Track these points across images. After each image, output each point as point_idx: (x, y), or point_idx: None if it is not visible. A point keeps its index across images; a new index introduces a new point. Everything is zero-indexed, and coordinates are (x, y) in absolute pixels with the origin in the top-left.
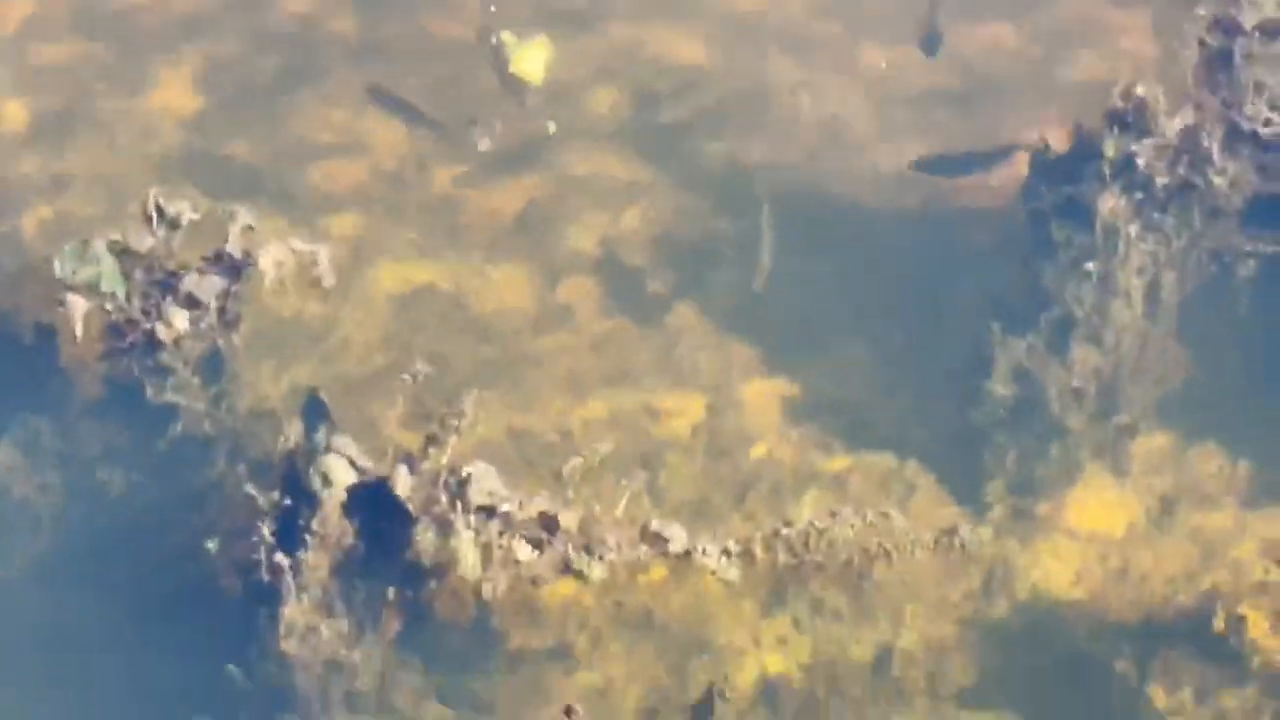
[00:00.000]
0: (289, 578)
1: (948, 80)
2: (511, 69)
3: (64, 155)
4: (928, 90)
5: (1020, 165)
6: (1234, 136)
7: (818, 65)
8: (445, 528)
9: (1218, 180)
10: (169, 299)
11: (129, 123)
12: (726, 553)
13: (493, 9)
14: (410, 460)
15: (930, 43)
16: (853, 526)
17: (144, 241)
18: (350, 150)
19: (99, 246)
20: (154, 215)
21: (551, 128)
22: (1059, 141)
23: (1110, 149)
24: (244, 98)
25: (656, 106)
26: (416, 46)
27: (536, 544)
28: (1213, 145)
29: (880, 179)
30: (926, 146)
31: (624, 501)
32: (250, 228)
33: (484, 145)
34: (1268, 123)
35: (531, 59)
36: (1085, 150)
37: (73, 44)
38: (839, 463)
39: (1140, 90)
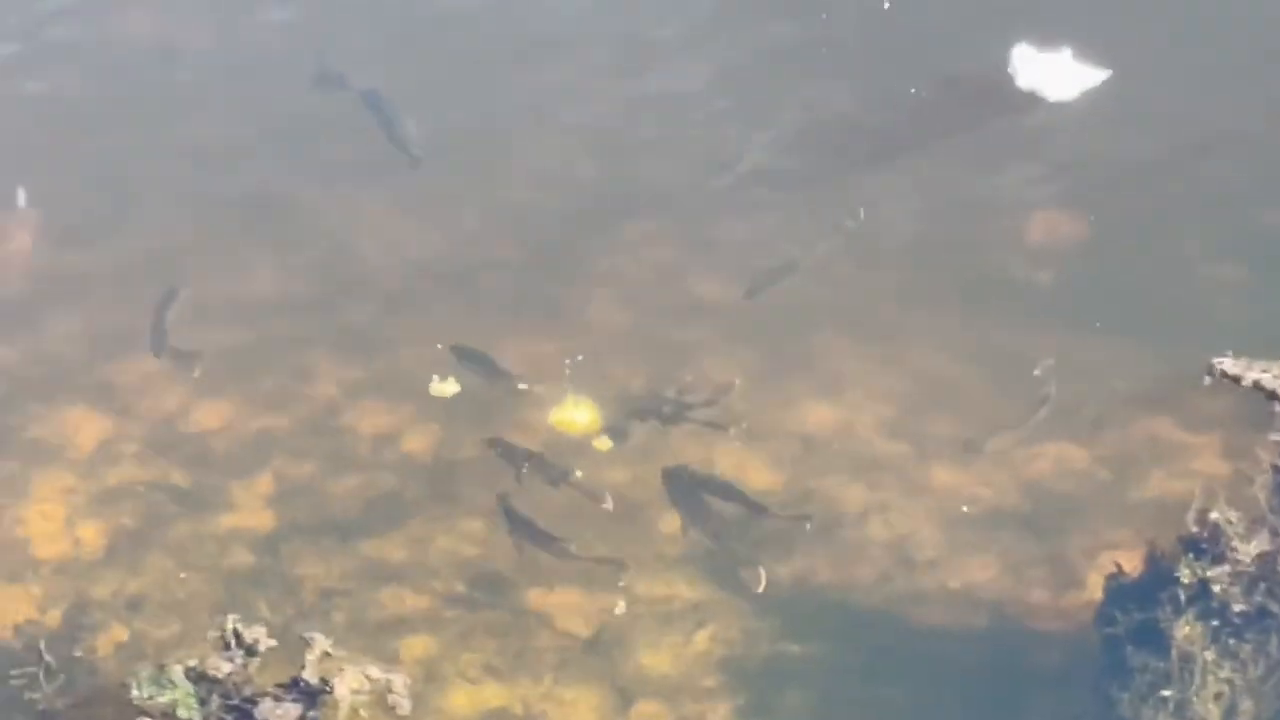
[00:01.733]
0: None
1: (1016, 501)
2: (555, 418)
3: (138, 577)
4: (995, 510)
5: (1093, 588)
6: None
7: (886, 486)
8: None
9: None
10: None
11: (202, 544)
12: None
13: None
14: None
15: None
16: None
17: (221, 667)
18: (421, 571)
19: (176, 672)
20: (231, 641)
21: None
22: (1131, 565)
23: (1185, 574)
24: (316, 518)
25: (725, 529)
26: (490, 465)
27: None
28: None
29: (950, 600)
30: (996, 568)
31: None
32: (328, 654)
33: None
34: None
35: (579, 413)
36: (1159, 574)
37: (147, 466)
38: None
39: (1214, 515)
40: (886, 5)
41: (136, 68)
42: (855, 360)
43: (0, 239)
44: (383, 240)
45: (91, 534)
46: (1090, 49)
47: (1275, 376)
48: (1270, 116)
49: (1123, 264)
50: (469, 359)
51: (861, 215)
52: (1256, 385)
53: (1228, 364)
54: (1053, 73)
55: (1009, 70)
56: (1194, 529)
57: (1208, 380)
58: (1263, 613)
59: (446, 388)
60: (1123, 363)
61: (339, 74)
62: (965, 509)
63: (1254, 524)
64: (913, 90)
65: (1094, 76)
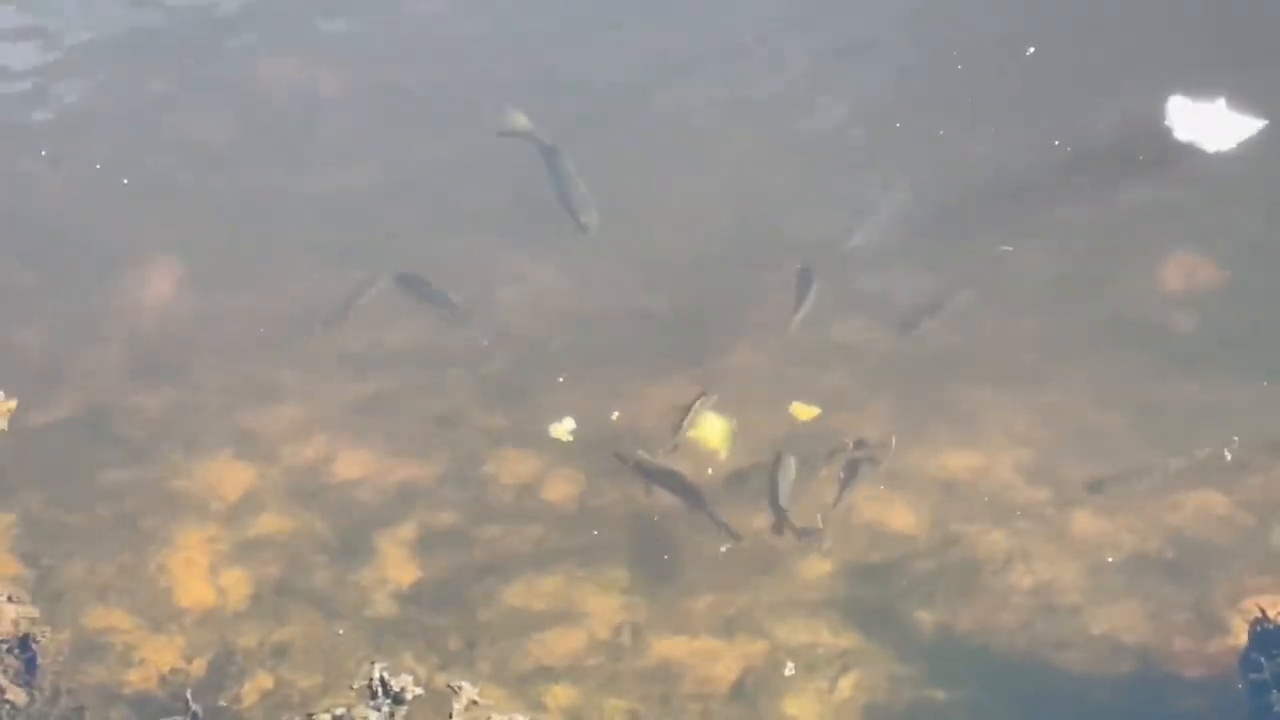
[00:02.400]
0: None
1: (1159, 546)
2: (692, 432)
3: (284, 625)
4: (1137, 555)
5: (1238, 634)
6: None
7: (1027, 532)
8: None
9: None
10: None
11: (346, 592)
12: None
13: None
14: None
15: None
16: None
17: (368, 716)
18: (564, 619)
19: None
20: (378, 690)
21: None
22: (1276, 611)
23: None
24: (459, 567)
25: (868, 575)
26: (626, 512)
27: None
28: None
29: (1093, 646)
30: (1140, 614)
31: None
32: (474, 702)
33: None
34: None
35: (717, 431)
36: None
37: (292, 515)
38: None
39: None
40: (1031, 51)
41: (280, 112)
42: (995, 405)
43: (141, 285)
44: (523, 288)
45: (236, 580)
46: (1245, 98)
47: None
48: None
49: (1263, 307)
50: (409, 285)
51: (1012, 248)
52: None
53: None
54: (1209, 123)
55: (1165, 122)
56: None
57: None
58: None
59: (563, 428)
60: (1264, 408)
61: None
62: (1109, 558)
63: None
64: (1057, 143)
65: (1250, 125)
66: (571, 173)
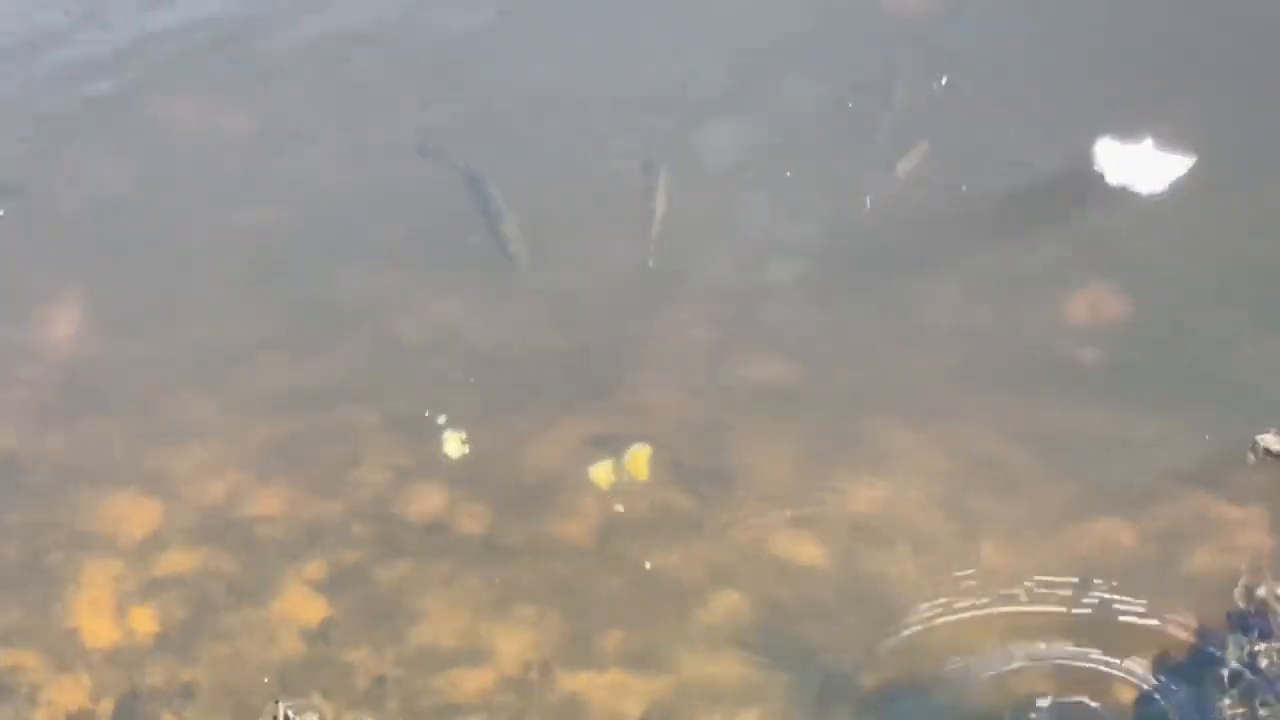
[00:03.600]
0: None
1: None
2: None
3: (191, 664)
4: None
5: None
6: None
7: (936, 565)
8: None
9: None
10: None
11: (253, 631)
12: None
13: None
14: None
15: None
16: None
17: None
18: (473, 656)
19: None
20: None
21: None
22: (1176, 645)
23: (1232, 653)
24: (368, 604)
25: (775, 609)
26: (541, 547)
27: None
28: None
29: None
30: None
31: None
32: None
33: None
34: None
35: (638, 459)
36: (1205, 652)
37: (199, 552)
38: None
39: (1262, 591)
40: (944, 80)
41: (182, 152)
42: (902, 440)
43: (43, 326)
44: (431, 325)
45: (143, 619)
46: (1173, 136)
47: None
48: None
49: (1168, 341)
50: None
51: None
52: None
53: (1270, 440)
54: (1138, 166)
55: (1095, 168)
56: (1241, 605)
57: (1251, 459)
58: None
59: (452, 443)
60: (1168, 439)
61: (439, 147)
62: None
63: None
64: (963, 188)
65: (1180, 165)
66: (499, 201)
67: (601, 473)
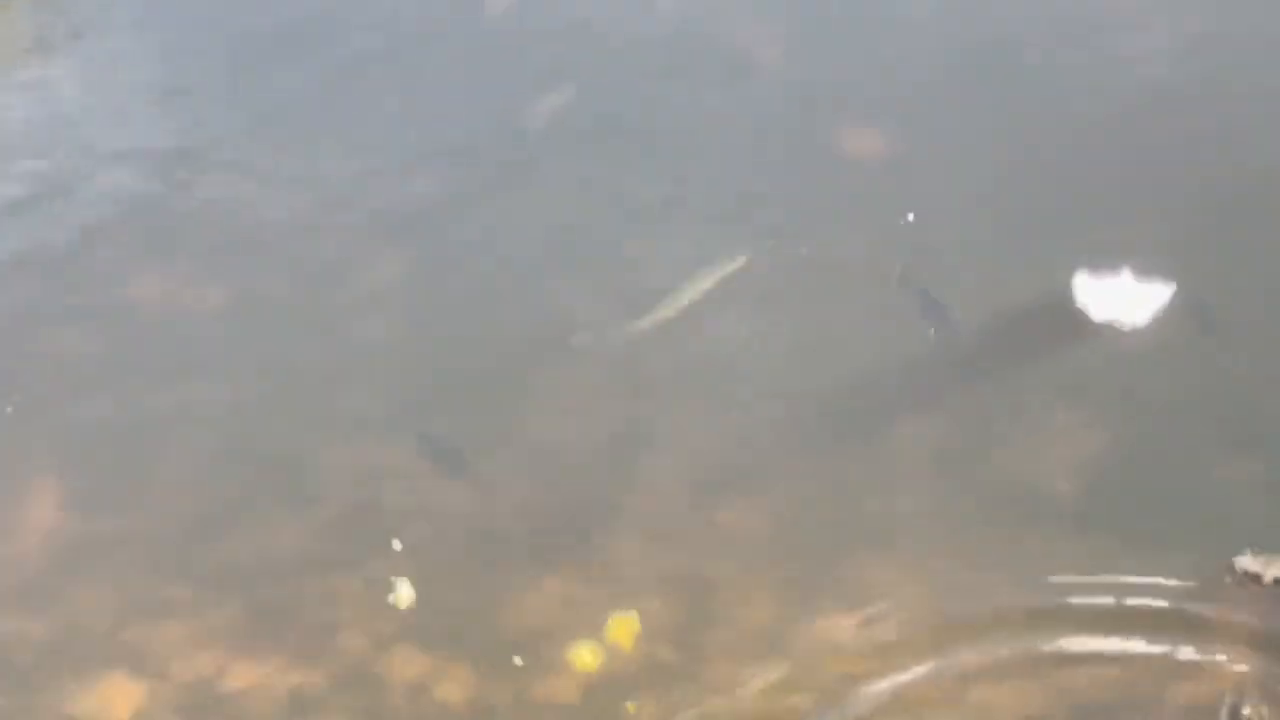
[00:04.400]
0: None
1: (1049, 711)
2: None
3: None
4: None
5: None
6: None
7: (920, 703)
8: None
9: None
10: None
11: None
12: None
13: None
14: None
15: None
16: None
17: None
18: None
19: None
20: None
21: None
22: None
23: None
24: None
25: None
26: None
27: None
28: None
29: None
30: None
31: None
32: None
33: None
34: None
35: (625, 629)
36: None
37: None
38: None
39: (1246, 711)
40: (911, 218)
41: (153, 326)
42: (881, 573)
43: (15, 507)
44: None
45: None
46: (1151, 266)
47: None
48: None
49: (1148, 468)
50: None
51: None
52: (1276, 581)
53: (1247, 561)
54: (1118, 299)
55: (1077, 304)
56: None
57: (1229, 580)
58: None
59: (401, 595)
60: (1148, 568)
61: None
62: None
63: None
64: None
65: (1160, 294)
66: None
67: (584, 656)
